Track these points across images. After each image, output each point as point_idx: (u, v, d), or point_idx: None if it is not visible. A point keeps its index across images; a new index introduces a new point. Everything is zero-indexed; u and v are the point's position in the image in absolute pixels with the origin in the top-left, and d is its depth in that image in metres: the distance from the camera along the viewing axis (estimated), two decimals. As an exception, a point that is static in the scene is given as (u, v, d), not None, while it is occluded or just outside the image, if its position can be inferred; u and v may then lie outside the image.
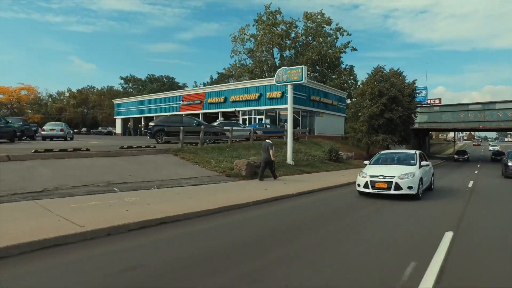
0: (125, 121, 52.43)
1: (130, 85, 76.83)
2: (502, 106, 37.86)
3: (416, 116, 34.10)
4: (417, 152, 11.38)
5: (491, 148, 70.48)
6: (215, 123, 23.07)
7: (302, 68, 16.61)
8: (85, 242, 4.69)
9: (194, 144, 15.87)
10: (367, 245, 4.92)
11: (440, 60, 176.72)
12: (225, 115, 37.06)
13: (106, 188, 8.10)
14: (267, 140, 12.35)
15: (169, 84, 75.63)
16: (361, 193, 10.01)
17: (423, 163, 10.65)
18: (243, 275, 3.64)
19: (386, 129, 28.04)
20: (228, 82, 59.54)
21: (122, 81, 77.91)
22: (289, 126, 17.59)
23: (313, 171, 16.86)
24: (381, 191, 9.47)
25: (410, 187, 9.30)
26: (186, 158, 13.10)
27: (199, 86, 69.40)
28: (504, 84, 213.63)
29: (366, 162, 11.79)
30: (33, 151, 10.08)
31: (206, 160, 13.22)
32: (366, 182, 9.69)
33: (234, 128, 18.90)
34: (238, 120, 33.66)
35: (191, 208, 6.67)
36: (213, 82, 63.59)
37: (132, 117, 50.19)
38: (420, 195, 9.71)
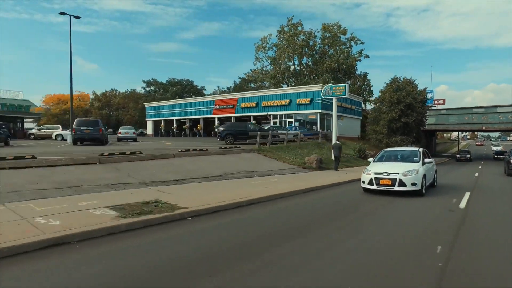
0: (155, 123, 57.08)
1: (153, 88, 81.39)
2: (502, 110, 42.34)
3: (426, 119, 38.67)
4: (420, 149, 11.67)
5: (493, 148, 73.04)
6: (266, 127, 27.56)
7: (345, 86, 21.22)
8: (293, 196, 9.27)
9: (263, 145, 20.46)
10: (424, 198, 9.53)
11: (443, 58, 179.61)
12: (256, 118, 41.62)
13: (248, 174, 12.73)
14: (337, 142, 17.03)
15: (188, 87, 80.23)
16: (365, 190, 10.35)
17: (426, 160, 10.99)
18: (361, 215, 8.21)
19: (402, 131, 32.69)
20: (249, 87, 64.24)
21: (144, 85, 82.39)
22: (334, 130, 22.09)
23: (353, 165, 21.44)
24: (385, 188, 9.74)
25: (413, 184, 9.54)
26: (268, 155, 17.71)
27: (223, 89, 74.16)
28: (507, 82, 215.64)
29: (370, 159, 12.16)
30: (179, 150, 14.71)
31: (281, 157, 17.83)
32: (371, 179, 9.98)
33: (288, 132, 23.53)
34: (269, 124, 38.19)
35: (315, 184, 11.28)
36: (235, 87, 68.08)
37: (164, 119, 54.81)
38: (424, 192, 9.96)
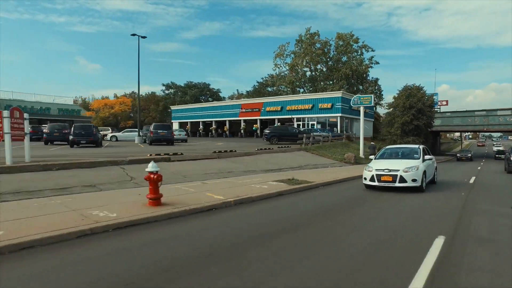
0: (181, 125, 61.82)
1: (172, 91, 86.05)
2: (502, 113, 47.01)
3: (433, 122, 43.35)
4: (421, 146, 12.02)
5: (495, 148, 76.53)
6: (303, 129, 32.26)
7: (371, 96, 25.96)
8: (357, 179, 13.98)
9: (306, 145, 25.15)
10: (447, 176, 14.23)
11: (445, 57, 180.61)
12: (280, 121, 46.31)
13: (314, 166, 17.44)
14: (372, 143, 21.76)
15: (205, 90, 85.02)
16: (367, 186, 10.64)
17: (427, 157, 11.32)
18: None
19: (414, 132, 37.37)
20: (266, 90, 69.10)
21: (163, 87, 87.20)
22: (361, 133, 26.75)
23: (378, 162, 26.13)
24: (386, 184, 10.03)
25: (414, 180, 9.84)
26: (314, 153, 22.42)
27: (241, 93, 78.92)
28: (508, 81, 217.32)
29: (372, 156, 12.60)
30: (256, 149, 19.44)
31: (324, 154, 22.54)
32: (372, 175, 10.26)
33: (322, 134, 28.32)
34: (294, 126, 42.86)
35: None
36: (255, 91, 72.74)
37: (190, 121, 59.60)
38: (424, 188, 10.27)
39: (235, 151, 17.42)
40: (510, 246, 4.99)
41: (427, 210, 7.75)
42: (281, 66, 60.57)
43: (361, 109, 26.69)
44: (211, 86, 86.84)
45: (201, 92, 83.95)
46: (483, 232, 5.78)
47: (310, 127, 41.70)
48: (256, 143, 28.04)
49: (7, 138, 9.43)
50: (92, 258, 4.28)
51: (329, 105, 40.47)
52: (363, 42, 56.97)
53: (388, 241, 5.17)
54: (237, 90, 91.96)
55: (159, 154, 13.68)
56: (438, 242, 5.03)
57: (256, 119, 48.15)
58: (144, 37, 29.07)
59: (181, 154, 14.52)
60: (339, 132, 38.37)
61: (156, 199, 6.85)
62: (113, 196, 7.73)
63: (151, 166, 6.76)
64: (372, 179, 10.31)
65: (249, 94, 73.02)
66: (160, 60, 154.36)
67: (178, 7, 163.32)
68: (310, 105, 42.30)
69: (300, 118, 43.59)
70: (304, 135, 24.27)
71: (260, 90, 69.73)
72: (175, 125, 63.51)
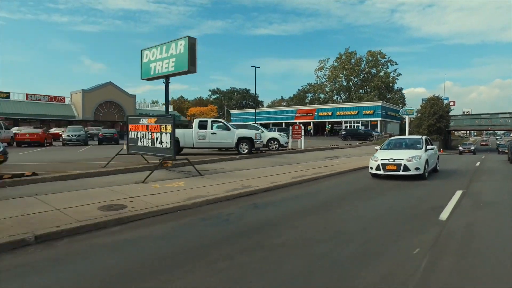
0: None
1: (218, 96, 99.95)
2: (503, 116, 60.36)
3: (450, 124, 56.86)
4: (423, 137, 12.83)
5: (498, 143, 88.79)
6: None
7: (414, 109, 39.46)
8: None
9: (374, 140, 38.70)
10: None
11: (448, 54, 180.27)
12: (330, 123, 59.84)
13: (392, 153, 31.11)
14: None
15: (247, 95, 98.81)
16: (373, 175, 11.31)
17: (429, 147, 12.14)
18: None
19: (436, 132, 50.94)
20: (307, 97, 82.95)
21: (210, 93, 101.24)
22: (407, 133, 40.23)
23: (418, 152, 39.64)
24: (391, 173, 10.68)
25: (417, 168, 10.52)
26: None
27: (283, 98, 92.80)
28: None
29: (377, 147, 13.44)
30: (358, 143, 33.13)
31: (388, 147, 36.14)
32: (378, 165, 10.92)
33: (378, 134, 42.05)
34: (342, 127, 56.38)
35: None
36: (298, 97, 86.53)
37: (248, 123, 73.30)
38: (426, 175, 10.96)
39: (351, 144, 31.05)
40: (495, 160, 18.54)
41: (444, 177, 21.38)
42: (321, 77, 74.41)
43: (407, 118, 40.14)
44: (251, 92, 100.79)
45: (243, 97, 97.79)
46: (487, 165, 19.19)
47: (355, 128, 55.21)
48: (330, 141, 41.53)
49: (302, 138, 23.24)
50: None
51: (371, 112, 54.13)
52: (388, 57, 70.67)
53: (436, 187, 18.90)
54: (282, 96, 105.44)
55: (334, 145, 27.31)
56: (476, 163, 18.66)
57: (310, 122, 61.82)
58: (258, 67, 42.69)
59: (338, 145, 28.17)
60: (379, 131, 51.97)
61: (379, 158, 20.62)
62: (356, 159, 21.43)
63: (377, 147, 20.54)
64: (378, 168, 10.99)
65: (291, 100, 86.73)
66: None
67: (181, 5, 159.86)
68: (356, 111, 55.94)
69: (347, 121, 57.25)
70: (372, 133, 37.86)
71: (301, 96, 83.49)
72: (234, 126, 77.34)
